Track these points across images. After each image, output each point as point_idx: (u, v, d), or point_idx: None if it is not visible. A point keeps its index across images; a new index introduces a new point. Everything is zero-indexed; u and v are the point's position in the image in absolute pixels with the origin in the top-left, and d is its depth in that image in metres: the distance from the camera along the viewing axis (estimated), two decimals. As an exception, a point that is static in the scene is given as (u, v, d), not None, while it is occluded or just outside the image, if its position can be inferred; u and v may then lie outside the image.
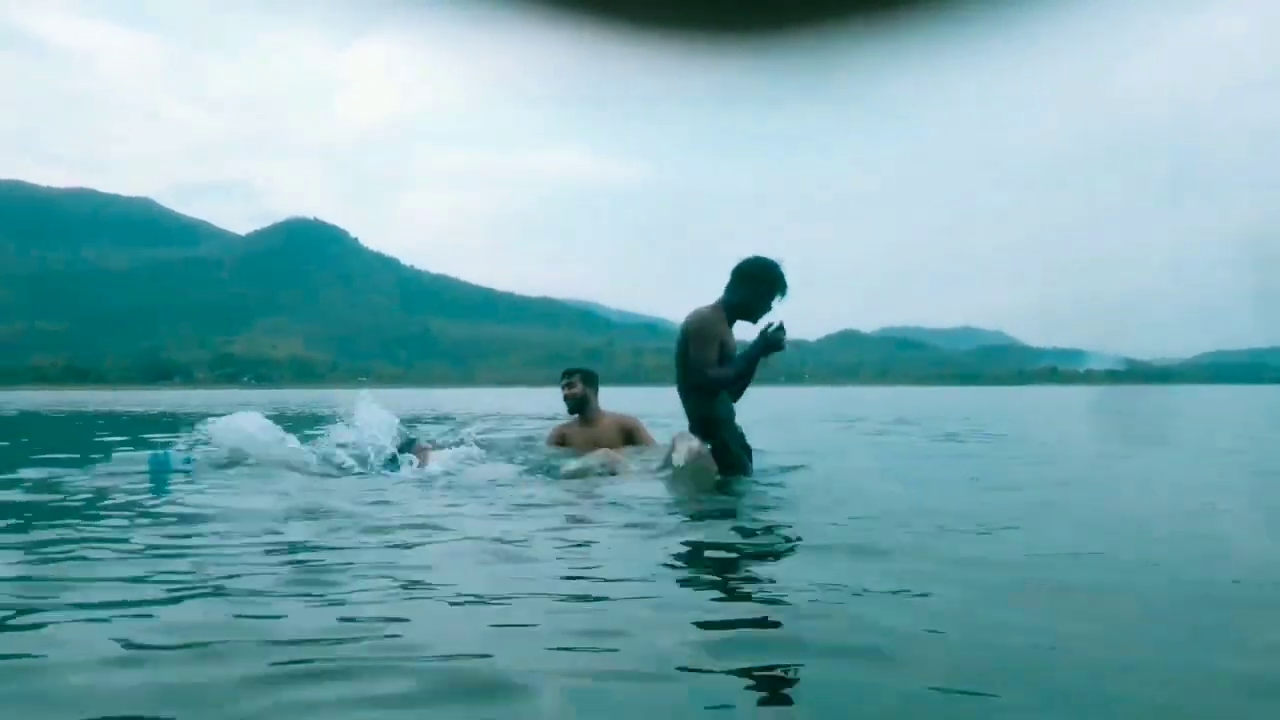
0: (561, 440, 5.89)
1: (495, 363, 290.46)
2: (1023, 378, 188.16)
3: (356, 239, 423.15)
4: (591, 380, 5.83)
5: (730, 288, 4.82)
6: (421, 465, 5.15)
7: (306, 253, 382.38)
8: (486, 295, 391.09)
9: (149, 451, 5.20)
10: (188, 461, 5.12)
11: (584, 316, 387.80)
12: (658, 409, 6.71)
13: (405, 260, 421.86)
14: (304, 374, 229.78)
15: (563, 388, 5.81)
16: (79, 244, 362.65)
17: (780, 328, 4.70)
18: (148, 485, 4.67)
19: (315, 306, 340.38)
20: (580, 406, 5.78)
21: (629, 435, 5.75)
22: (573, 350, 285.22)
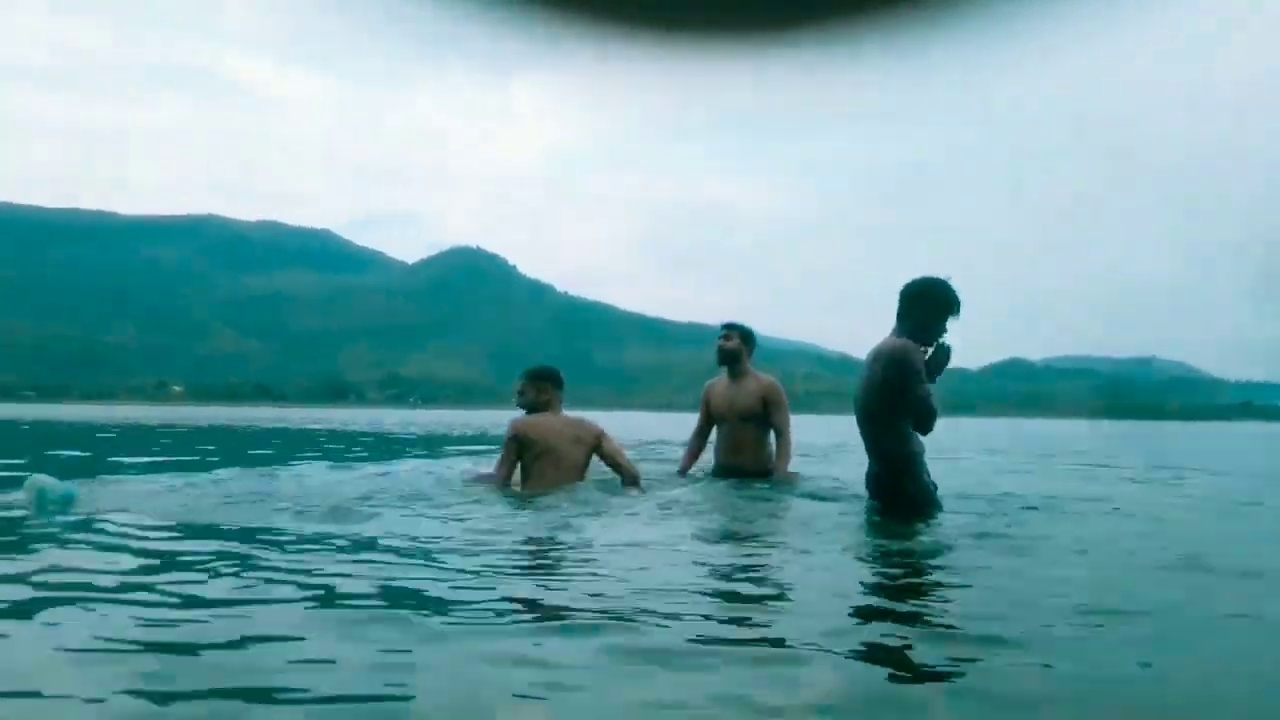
0: (707, 400, 5.84)
1: (646, 387, 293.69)
2: (1212, 412, 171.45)
3: (515, 266, 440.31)
4: (749, 339, 5.80)
5: (903, 313, 4.52)
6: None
7: (469, 280, 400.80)
8: (637, 320, 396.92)
9: (31, 476, 4.46)
10: (67, 496, 4.25)
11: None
12: (815, 439, 6.46)
13: (560, 286, 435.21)
14: (465, 395, 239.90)
15: (720, 339, 5.77)
16: (268, 272, 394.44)
17: (943, 343, 4.49)
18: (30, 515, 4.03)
19: (476, 331, 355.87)
20: (732, 360, 5.73)
21: (768, 401, 5.64)
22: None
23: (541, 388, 5.33)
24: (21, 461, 8.94)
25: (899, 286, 4.61)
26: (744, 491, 5.17)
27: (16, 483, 4.59)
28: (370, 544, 3.43)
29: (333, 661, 1.88)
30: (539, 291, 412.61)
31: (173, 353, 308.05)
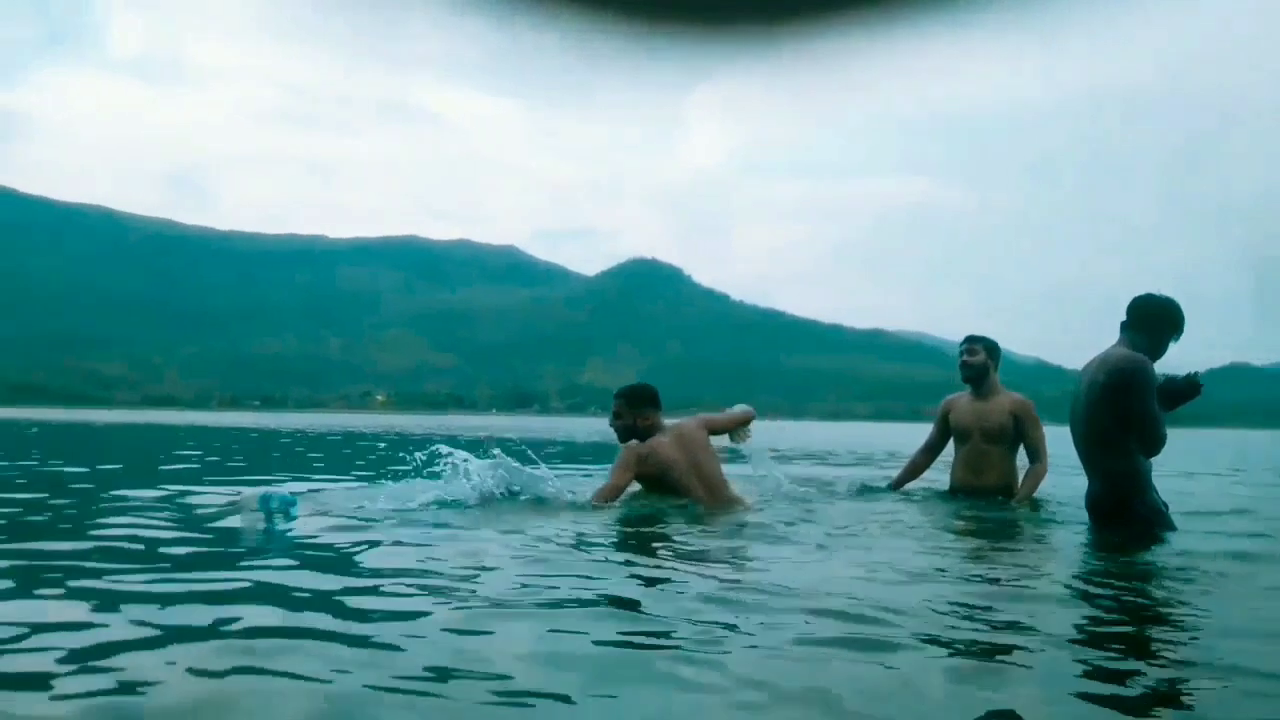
0: (946, 413, 5.50)
1: (823, 396, 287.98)
2: None
3: (690, 276, 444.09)
4: (994, 352, 5.40)
5: (1130, 325, 4.32)
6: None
7: (645, 290, 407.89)
8: (813, 328, 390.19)
9: (261, 490, 4.66)
10: (288, 503, 4.36)
11: (916, 349, 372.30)
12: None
13: (735, 295, 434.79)
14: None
15: (963, 354, 5.41)
16: (459, 287, 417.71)
17: (1197, 375, 4.26)
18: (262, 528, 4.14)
19: (652, 341, 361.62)
20: (978, 377, 5.36)
21: (1022, 418, 5.24)
22: (904, 383, 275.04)
23: (643, 413, 4.92)
24: (242, 463, 9.85)
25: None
26: (968, 509, 4.91)
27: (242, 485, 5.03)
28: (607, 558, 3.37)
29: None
30: (714, 300, 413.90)
31: (376, 364, 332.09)
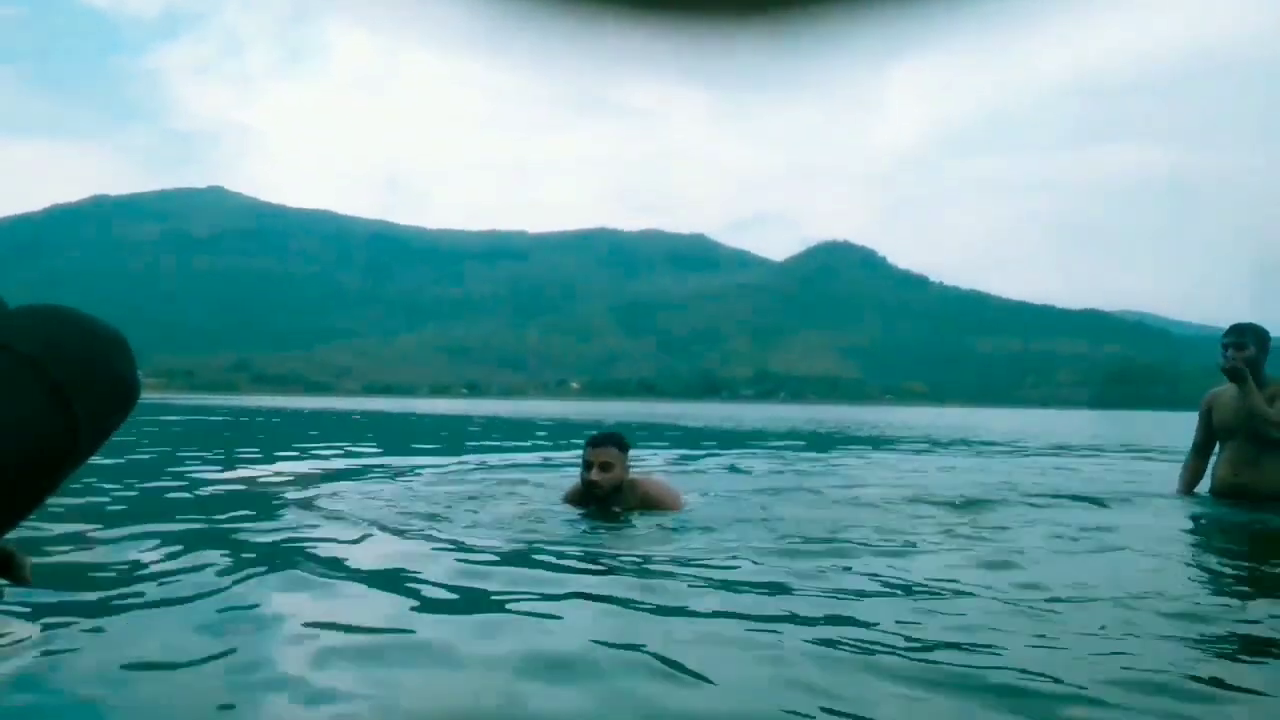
0: (1209, 409, 4.99)
1: (1034, 381, 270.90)
2: None
3: (885, 258, 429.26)
4: (1263, 339, 4.81)
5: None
6: None
7: (837, 273, 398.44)
8: (1021, 309, 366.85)
9: None
10: None
11: (1137, 329, 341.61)
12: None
13: (934, 277, 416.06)
14: (834, 391, 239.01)
15: (1230, 349, 4.79)
16: (650, 277, 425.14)
17: None
18: None
19: (845, 326, 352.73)
20: (1244, 374, 4.75)
21: None
22: (1125, 367, 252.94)
23: (626, 464, 4.44)
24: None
25: None
26: (1229, 514, 4.67)
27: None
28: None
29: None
30: (911, 283, 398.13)
31: (570, 353, 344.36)
